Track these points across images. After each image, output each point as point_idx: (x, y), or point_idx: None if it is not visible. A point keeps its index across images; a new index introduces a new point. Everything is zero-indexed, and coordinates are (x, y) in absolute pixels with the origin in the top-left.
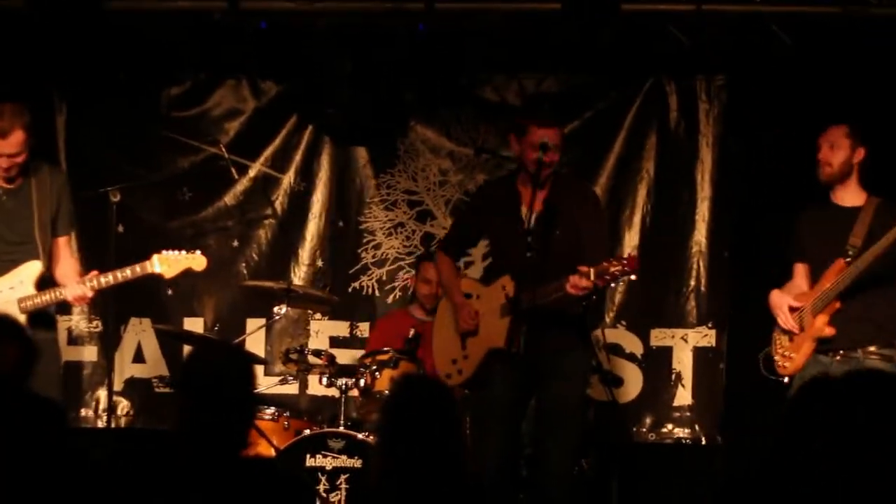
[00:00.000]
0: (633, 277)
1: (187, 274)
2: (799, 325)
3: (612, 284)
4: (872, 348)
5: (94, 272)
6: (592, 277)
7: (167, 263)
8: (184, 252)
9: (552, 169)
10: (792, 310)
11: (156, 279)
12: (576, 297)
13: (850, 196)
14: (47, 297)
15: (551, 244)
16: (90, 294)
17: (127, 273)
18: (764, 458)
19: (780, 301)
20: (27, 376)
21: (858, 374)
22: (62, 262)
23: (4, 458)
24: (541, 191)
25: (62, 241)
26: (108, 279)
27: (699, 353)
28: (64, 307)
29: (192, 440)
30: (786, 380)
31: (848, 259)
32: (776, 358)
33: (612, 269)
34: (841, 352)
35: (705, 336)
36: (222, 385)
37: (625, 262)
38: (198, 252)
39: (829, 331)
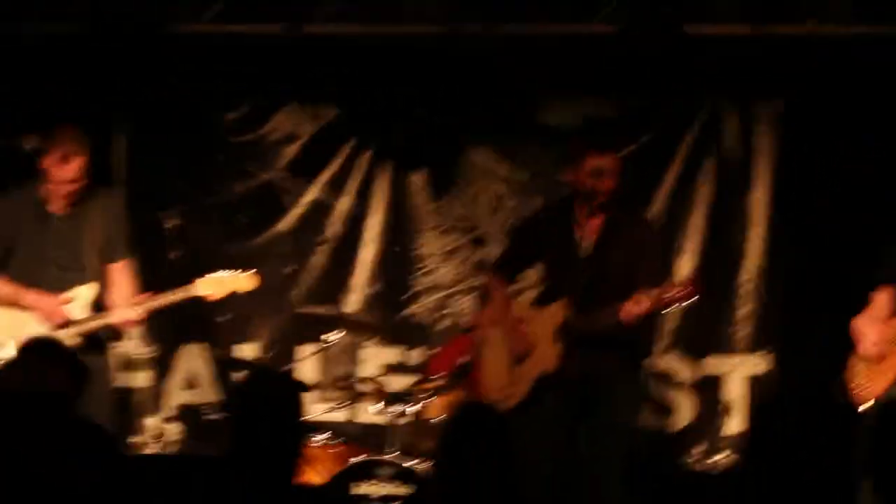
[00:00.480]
0: (691, 301)
1: (237, 297)
2: (882, 354)
3: (669, 309)
4: None
5: (141, 296)
6: (648, 303)
7: (213, 285)
8: (230, 272)
9: (608, 196)
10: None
11: (207, 304)
12: (628, 324)
13: None
14: (95, 322)
15: (607, 269)
16: (136, 318)
17: (173, 296)
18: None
19: (865, 329)
20: (77, 400)
21: None
22: (116, 287)
23: (55, 483)
24: (596, 217)
25: (117, 266)
26: (154, 303)
27: (752, 381)
28: (117, 332)
29: (243, 467)
30: (861, 408)
31: None
32: (852, 385)
33: (669, 296)
34: None
35: (758, 364)
36: (270, 413)
37: (681, 288)
38: (245, 272)
39: None
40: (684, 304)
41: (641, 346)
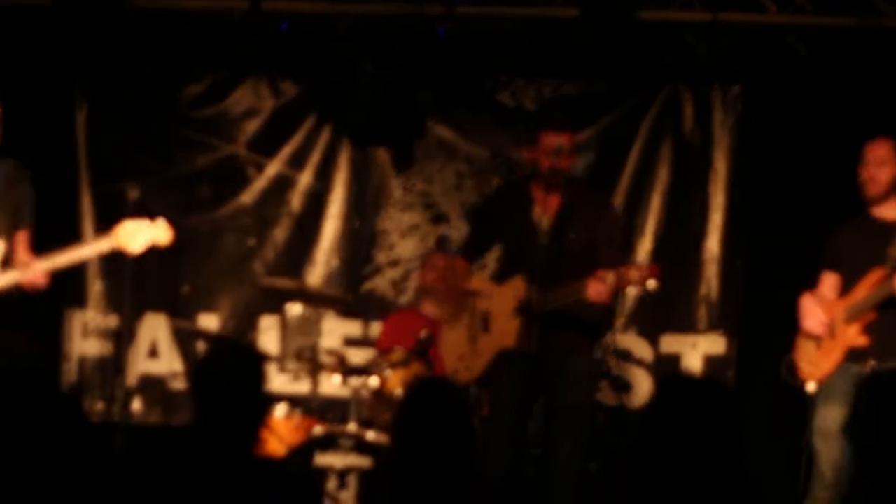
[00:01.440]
0: (650, 285)
1: (200, 267)
2: (830, 332)
3: (629, 290)
4: None
5: (52, 254)
6: (611, 282)
7: (128, 235)
8: (146, 222)
9: (565, 174)
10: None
11: (170, 275)
12: (592, 303)
13: (891, 209)
14: (5, 280)
15: (565, 247)
16: (44, 277)
17: (84, 251)
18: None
19: (814, 307)
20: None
21: None
22: (21, 254)
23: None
24: (554, 194)
25: (23, 234)
26: (63, 259)
27: (709, 360)
28: (77, 299)
29: (204, 437)
30: (810, 386)
31: (889, 269)
32: (801, 364)
33: (631, 275)
34: (873, 361)
35: (715, 343)
36: (232, 383)
37: (645, 269)
38: (157, 220)
39: (862, 340)
40: (647, 285)
41: (598, 324)
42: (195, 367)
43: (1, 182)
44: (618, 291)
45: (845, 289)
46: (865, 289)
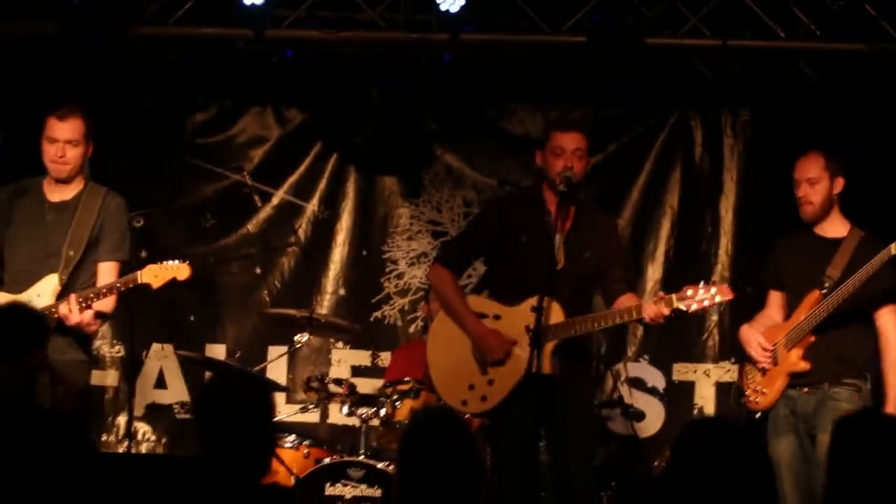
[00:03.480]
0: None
1: (208, 297)
2: (773, 360)
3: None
4: (843, 380)
5: (82, 290)
6: (674, 304)
7: (153, 274)
8: (170, 262)
9: (577, 179)
10: (764, 348)
11: (176, 306)
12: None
13: (832, 227)
14: (51, 310)
15: (581, 265)
16: (85, 318)
17: (118, 286)
18: None
19: (750, 336)
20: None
21: None
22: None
23: (22, 472)
24: (568, 207)
25: (105, 266)
26: (92, 294)
27: (721, 388)
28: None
29: (212, 468)
30: (758, 415)
31: (824, 291)
32: (748, 393)
33: (700, 297)
34: (806, 388)
35: (728, 371)
36: (240, 413)
37: (713, 290)
38: (185, 262)
39: (803, 365)
40: (713, 304)
41: (611, 353)
42: (201, 397)
43: (78, 211)
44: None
45: (789, 309)
46: (804, 312)
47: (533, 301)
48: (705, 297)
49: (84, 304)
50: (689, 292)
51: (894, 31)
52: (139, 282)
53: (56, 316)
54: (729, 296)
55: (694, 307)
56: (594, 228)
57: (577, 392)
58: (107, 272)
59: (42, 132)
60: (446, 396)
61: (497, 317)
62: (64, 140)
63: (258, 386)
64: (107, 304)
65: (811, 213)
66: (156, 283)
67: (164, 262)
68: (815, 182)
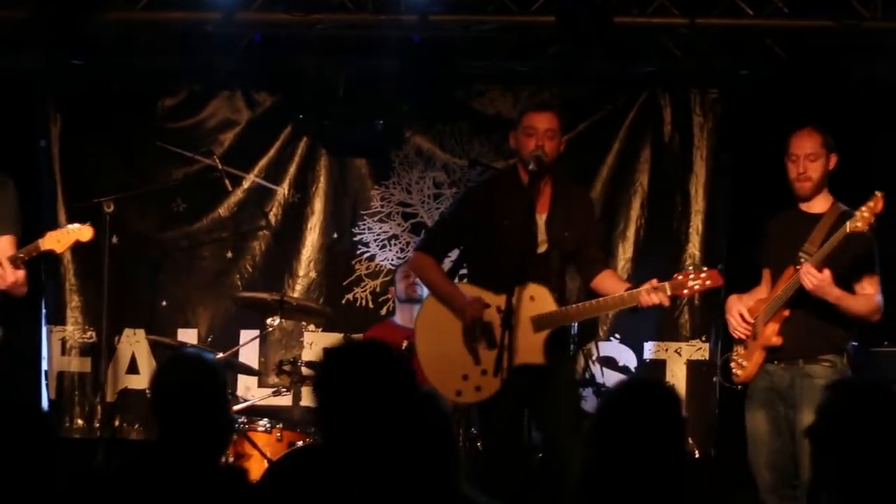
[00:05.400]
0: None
1: (178, 282)
2: (752, 333)
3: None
4: (818, 356)
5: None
6: (669, 292)
7: (55, 239)
8: (72, 225)
9: (549, 159)
10: (745, 320)
11: (147, 291)
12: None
13: (817, 203)
14: None
15: (562, 245)
16: (9, 274)
17: (21, 255)
18: None
19: (733, 305)
20: None
21: None
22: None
23: None
24: (545, 187)
25: (5, 241)
26: (20, 255)
27: (692, 366)
28: (56, 316)
29: (165, 451)
30: (738, 387)
31: (798, 266)
32: (731, 366)
33: (692, 284)
34: (782, 363)
35: (699, 349)
36: (188, 395)
37: (704, 276)
38: (86, 224)
39: (776, 340)
40: (704, 290)
41: (581, 332)
42: (150, 379)
43: None
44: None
45: (773, 286)
46: (780, 286)
47: (528, 290)
48: (696, 282)
49: (15, 265)
50: (681, 278)
51: (861, 6)
52: (41, 249)
53: None
54: (719, 282)
55: (686, 293)
56: (572, 207)
57: (563, 376)
58: (4, 246)
59: None
60: (439, 386)
61: (486, 305)
62: None
63: (209, 367)
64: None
65: (809, 188)
66: (59, 248)
67: (66, 227)
68: (814, 158)
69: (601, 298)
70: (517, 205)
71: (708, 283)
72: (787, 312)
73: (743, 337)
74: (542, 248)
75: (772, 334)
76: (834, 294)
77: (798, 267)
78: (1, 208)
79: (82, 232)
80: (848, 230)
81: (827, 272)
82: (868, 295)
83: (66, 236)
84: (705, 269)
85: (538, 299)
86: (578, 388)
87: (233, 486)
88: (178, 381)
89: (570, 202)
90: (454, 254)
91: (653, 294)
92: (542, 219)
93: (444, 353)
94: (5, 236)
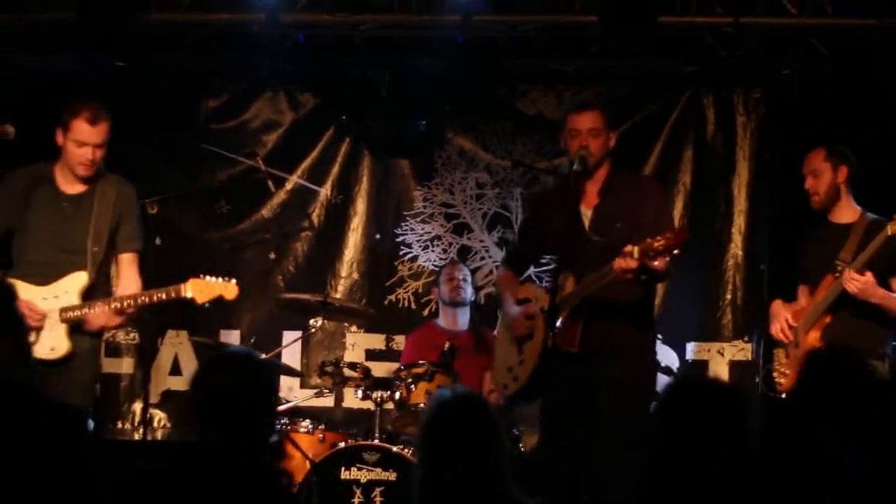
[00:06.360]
0: (676, 252)
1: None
2: (794, 340)
3: (664, 261)
4: None
5: (122, 296)
6: (636, 255)
7: (199, 289)
8: (217, 279)
9: (594, 157)
10: (790, 326)
11: None
12: (624, 281)
13: (844, 213)
14: (82, 311)
15: (611, 237)
16: (112, 322)
17: (159, 296)
18: None
19: (779, 311)
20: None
21: None
22: (123, 280)
23: (19, 461)
24: (593, 182)
25: (125, 257)
26: (135, 302)
27: (735, 366)
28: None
29: (208, 452)
30: (783, 396)
31: (836, 274)
32: (774, 375)
33: (657, 245)
34: None
35: (741, 350)
36: (232, 395)
37: (668, 235)
38: (232, 280)
39: (819, 345)
40: (675, 252)
41: (639, 320)
42: (191, 384)
43: (96, 203)
44: (650, 265)
45: (811, 297)
46: (820, 294)
47: (562, 278)
48: (660, 242)
49: (118, 310)
50: (649, 240)
51: None
52: (183, 295)
53: (85, 315)
54: (683, 236)
55: (652, 255)
56: (625, 199)
57: (617, 365)
58: (128, 263)
59: (63, 128)
60: (495, 383)
61: (537, 299)
62: (94, 144)
63: (250, 366)
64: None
65: (818, 202)
66: (200, 299)
67: (211, 279)
68: (818, 174)
69: (592, 274)
70: (567, 204)
71: (671, 241)
72: (828, 319)
73: (786, 341)
74: (590, 242)
75: (815, 341)
76: (879, 295)
77: (836, 275)
78: (126, 220)
79: (228, 289)
80: (890, 233)
81: (869, 275)
82: None
83: (210, 289)
84: (671, 228)
85: (565, 287)
86: (624, 381)
87: (268, 487)
88: (221, 380)
89: (625, 193)
90: None
91: (621, 259)
92: (587, 213)
93: (503, 353)
94: (129, 253)
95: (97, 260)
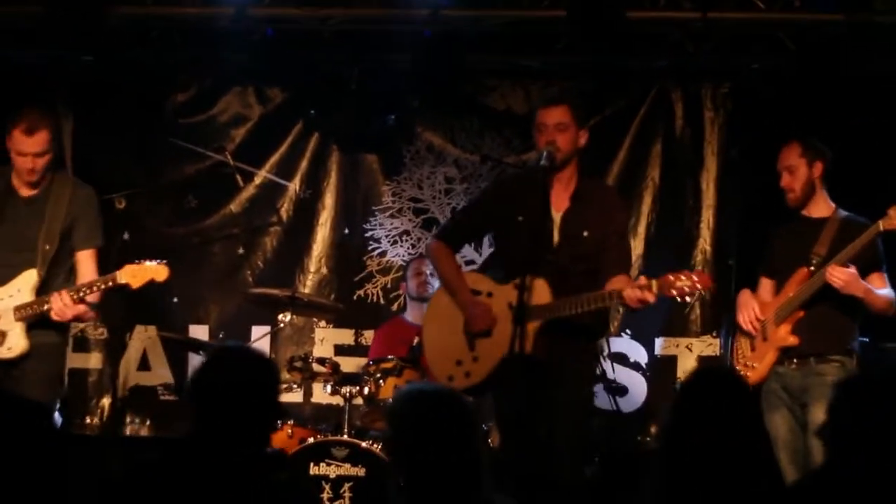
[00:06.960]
0: (701, 293)
1: (190, 279)
2: (762, 334)
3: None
4: (829, 356)
5: (65, 290)
6: (655, 290)
7: (132, 274)
8: (150, 263)
9: (561, 153)
10: (758, 319)
11: (159, 287)
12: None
13: (818, 208)
14: (34, 307)
15: (578, 244)
16: (75, 311)
17: (98, 285)
18: None
19: (748, 300)
20: None
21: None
22: (80, 276)
23: None
24: (563, 187)
25: (82, 254)
26: (77, 291)
27: (703, 362)
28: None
29: (209, 446)
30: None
31: (812, 268)
32: (738, 368)
33: (681, 285)
34: (796, 360)
35: (710, 345)
36: (244, 390)
37: (696, 278)
38: (163, 262)
39: (792, 339)
40: (702, 294)
41: (595, 328)
42: (198, 376)
43: (50, 204)
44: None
45: (779, 289)
46: (792, 288)
47: (532, 283)
48: (685, 284)
49: (77, 299)
50: (671, 278)
51: (873, 1)
52: (118, 282)
53: (46, 310)
54: (709, 284)
55: (674, 293)
56: (595, 207)
57: (570, 370)
58: (85, 259)
59: (7, 137)
60: (435, 371)
61: (490, 294)
62: (32, 153)
63: (259, 362)
64: (95, 295)
65: (794, 199)
66: (135, 284)
67: (143, 263)
68: (794, 170)
69: (587, 294)
70: (535, 201)
71: (698, 286)
72: (801, 313)
73: (754, 333)
74: (555, 246)
75: (786, 335)
76: (862, 289)
77: (811, 269)
78: (82, 219)
79: (158, 271)
80: (882, 228)
81: (853, 269)
82: (885, 289)
83: (143, 272)
84: (697, 271)
85: (536, 291)
86: (584, 385)
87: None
88: (230, 375)
89: (595, 201)
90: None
91: (637, 290)
92: (558, 216)
93: (444, 341)
94: (87, 250)
95: (48, 258)
